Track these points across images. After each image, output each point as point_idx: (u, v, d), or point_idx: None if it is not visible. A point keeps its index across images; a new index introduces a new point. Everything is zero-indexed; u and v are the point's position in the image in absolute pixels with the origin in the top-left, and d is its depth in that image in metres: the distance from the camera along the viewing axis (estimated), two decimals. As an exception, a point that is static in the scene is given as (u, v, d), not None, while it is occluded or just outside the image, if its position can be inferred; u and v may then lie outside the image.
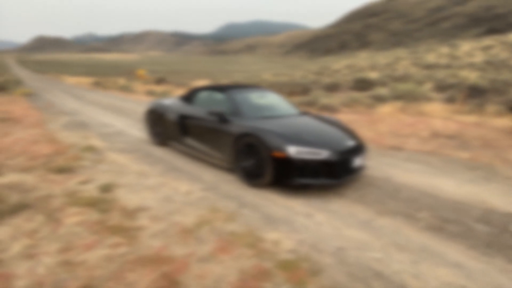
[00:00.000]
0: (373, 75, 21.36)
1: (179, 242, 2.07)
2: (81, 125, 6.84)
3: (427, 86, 13.29)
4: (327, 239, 2.18)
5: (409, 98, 10.80)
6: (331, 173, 2.89)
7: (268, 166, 2.91)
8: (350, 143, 3.15)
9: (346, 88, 18.24)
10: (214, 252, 1.96)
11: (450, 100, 10.28)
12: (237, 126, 3.31)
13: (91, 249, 1.94)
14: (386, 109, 9.31)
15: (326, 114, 8.91)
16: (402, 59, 29.34)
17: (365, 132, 6.15)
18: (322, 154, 2.86)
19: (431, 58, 27.61)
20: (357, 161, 3.12)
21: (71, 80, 31.87)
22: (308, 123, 3.56)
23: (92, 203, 2.62)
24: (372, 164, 4.00)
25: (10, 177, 3.35)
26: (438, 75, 16.41)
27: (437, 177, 3.53)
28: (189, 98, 4.42)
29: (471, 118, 7.35)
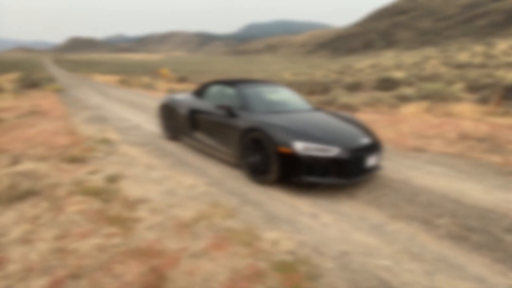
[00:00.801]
0: (398, 74, 20.41)
1: (174, 236, 2.00)
2: (101, 119, 7.07)
3: (458, 86, 12.42)
4: (331, 242, 2.00)
5: (436, 98, 10.15)
6: (342, 172, 2.70)
7: (274, 162, 2.77)
8: (364, 140, 2.93)
9: (369, 88, 17.57)
10: (208, 248, 1.86)
11: (483, 101, 9.51)
12: (245, 120, 3.20)
13: (86, 238, 1.92)
14: (410, 109, 8.79)
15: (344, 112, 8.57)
16: (431, 58, 27.75)
17: (386, 132, 5.82)
18: (332, 151, 2.67)
19: (463, 57, 25.85)
20: (371, 161, 2.89)
21: (100, 78, 33.50)
22: (320, 118, 3.38)
23: (96, 193, 2.63)
24: (390, 165, 3.73)
25: (27, 165, 3.49)
26: (470, 75, 15.29)
27: (462, 181, 3.21)
28: (200, 92, 4.38)
29: (506, 120, 6.70)
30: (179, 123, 4.44)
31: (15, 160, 3.70)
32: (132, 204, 2.46)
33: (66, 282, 1.53)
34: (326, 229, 2.17)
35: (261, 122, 2.96)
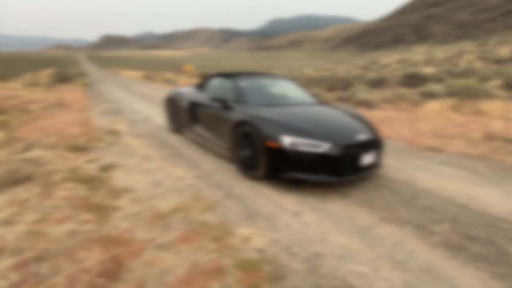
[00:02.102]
0: (428, 70, 19.13)
1: (146, 226, 1.98)
2: (117, 111, 7.35)
3: (493, 83, 11.35)
4: (307, 242, 1.87)
5: (466, 95, 9.35)
6: (332, 169, 2.53)
7: (262, 157, 2.67)
8: (361, 137, 2.72)
9: (394, 84, 16.69)
10: (176, 241, 1.82)
11: (521, 99, 8.58)
12: (238, 113, 3.12)
13: (62, 223, 1.97)
14: (433, 107, 8.18)
15: (362, 110, 8.17)
16: (466, 53, 25.68)
17: (401, 130, 5.45)
18: (322, 146, 2.51)
19: (504, 51, 23.59)
20: (367, 158, 2.68)
21: (127, 73, 35.03)
22: (318, 113, 3.20)
23: (86, 180, 2.70)
24: (396, 165, 3.47)
25: (36, 153, 3.69)
26: (509, 70, 13.89)
27: (476, 185, 2.88)
28: (201, 85, 4.36)
29: (545, 120, 5.98)
30: (181, 116, 4.46)
31: (28, 148, 3.93)
32: (117, 193, 2.49)
33: (30, 264, 1.56)
34: (305, 229, 2.04)
35: (251, 115, 2.86)
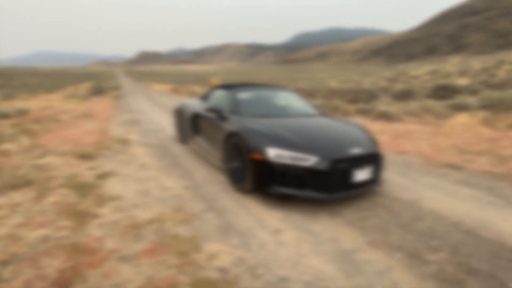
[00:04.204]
0: (461, 81, 17.92)
1: (117, 236, 1.97)
2: (135, 122, 7.70)
3: (537, 95, 10.25)
4: (277, 264, 1.73)
5: (501, 108, 8.54)
6: (320, 185, 2.36)
7: (248, 169, 2.58)
8: (355, 151, 2.52)
9: (422, 96, 15.80)
10: (140, 253, 1.78)
11: None
12: (231, 124, 3.08)
13: (39, 228, 2.02)
14: (461, 120, 7.54)
15: (381, 123, 7.76)
16: (506, 63, 23.73)
17: (420, 145, 5.08)
18: (309, 160, 2.36)
19: (552, 60, 21.43)
20: (361, 175, 2.47)
21: (157, 86, 37.02)
22: (313, 124, 3.06)
23: (80, 187, 2.79)
24: (404, 182, 3.18)
25: (48, 159, 3.93)
26: (557, 80, 12.49)
27: (494, 209, 2.53)
28: (206, 97, 4.42)
29: None
30: (185, 126, 4.54)
31: (43, 154, 4.20)
32: (104, 200, 2.53)
33: (-4, 268, 1.61)
34: (280, 248, 1.89)
35: (240, 127, 2.80)
